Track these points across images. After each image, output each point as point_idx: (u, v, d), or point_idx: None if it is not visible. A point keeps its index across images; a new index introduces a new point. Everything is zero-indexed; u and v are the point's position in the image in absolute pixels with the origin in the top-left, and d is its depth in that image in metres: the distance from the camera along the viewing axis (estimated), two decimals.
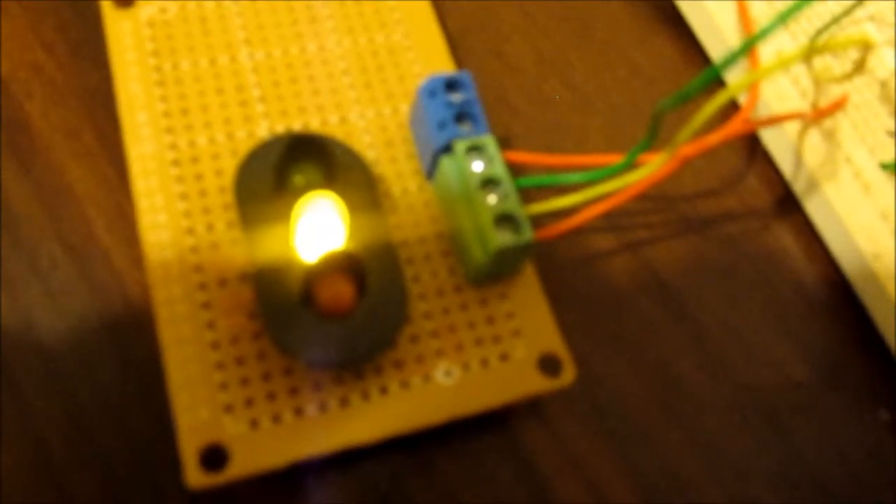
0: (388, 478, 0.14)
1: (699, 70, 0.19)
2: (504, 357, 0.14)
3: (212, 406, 0.13)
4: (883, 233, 0.17)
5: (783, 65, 0.14)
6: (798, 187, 0.18)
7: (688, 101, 0.13)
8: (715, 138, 0.15)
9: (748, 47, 0.14)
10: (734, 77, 0.18)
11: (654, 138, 0.14)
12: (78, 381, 0.14)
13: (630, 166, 0.15)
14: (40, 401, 0.14)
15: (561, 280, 0.16)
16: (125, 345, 0.14)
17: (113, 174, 0.16)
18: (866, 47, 0.16)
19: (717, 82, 0.18)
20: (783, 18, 0.14)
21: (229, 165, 0.15)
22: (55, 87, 0.16)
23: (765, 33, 0.14)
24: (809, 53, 0.14)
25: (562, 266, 0.16)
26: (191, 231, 0.14)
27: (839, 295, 0.17)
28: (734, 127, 0.15)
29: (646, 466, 0.15)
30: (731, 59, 0.13)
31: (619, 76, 0.19)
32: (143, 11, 0.16)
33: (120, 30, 0.16)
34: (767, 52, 0.18)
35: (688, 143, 0.14)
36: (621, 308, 0.16)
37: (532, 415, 0.15)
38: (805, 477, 0.16)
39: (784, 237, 0.17)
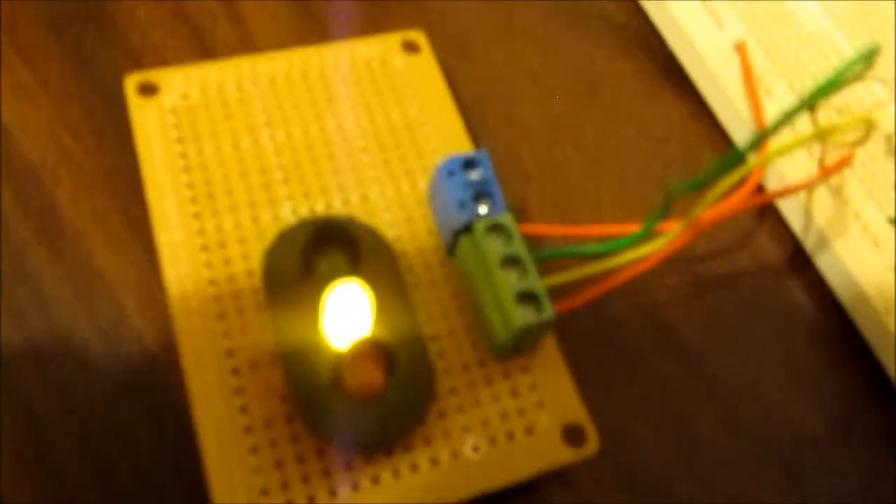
0: None
1: (705, 125, 0.19)
2: (529, 430, 0.14)
3: (248, 490, 0.13)
4: (893, 286, 0.17)
5: (796, 145, 0.14)
6: (809, 244, 0.18)
7: (702, 188, 0.13)
8: (729, 208, 0.15)
9: (761, 140, 0.14)
10: (742, 140, 0.19)
11: (667, 211, 0.15)
12: (116, 456, 0.14)
13: (647, 236, 0.15)
14: (77, 475, 0.14)
15: (580, 346, 0.16)
16: (162, 425, 0.15)
17: (142, 258, 0.16)
18: (869, 127, 0.16)
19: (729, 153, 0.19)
20: (795, 112, 0.14)
21: (256, 249, 0.15)
22: (83, 173, 0.17)
23: (776, 128, 0.14)
24: (819, 133, 0.15)
25: (580, 332, 0.17)
26: (222, 316, 0.14)
27: (852, 348, 0.17)
28: (748, 198, 0.15)
29: None
30: (747, 149, 0.14)
31: (627, 137, 0.19)
32: (167, 99, 0.16)
33: (145, 118, 0.16)
34: (772, 109, 0.19)
35: (703, 213, 0.14)
36: (640, 369, 0.17)
37: (557, 480, 0.15)
38: None
39: (797, 293, 0.18)
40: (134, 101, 0.16)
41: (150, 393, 0.15)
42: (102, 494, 0.14)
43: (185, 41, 0.19)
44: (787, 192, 0.17)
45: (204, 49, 0.19)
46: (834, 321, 0.18)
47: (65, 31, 0.18)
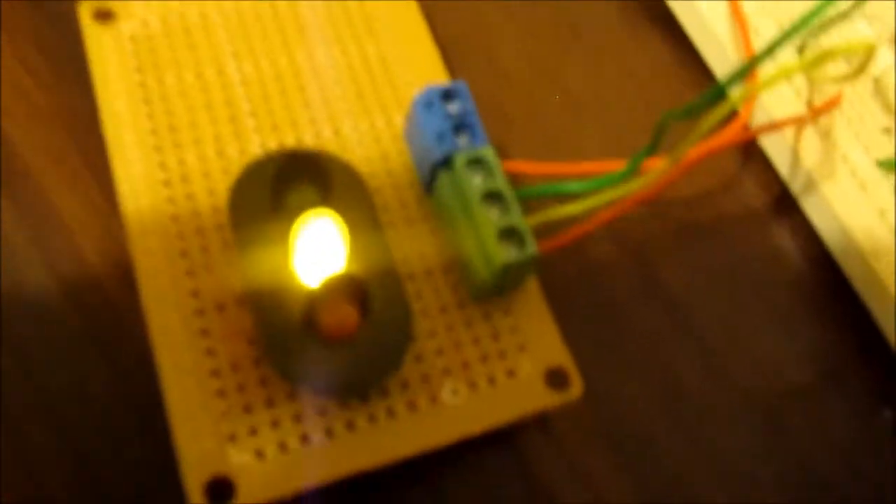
0: (397, 503, 0.14)
1: (692, 70, 0.19)
2: (510, 373, 0.14)
3: (215, 436, 0.12)
4: (881, 230, 0.17)
5: (783, 75, 0.14)
6: (795, 188, 0.17)
7: (692, 116, 0.13)
8: (715, 145, 0.14)
9: (751, 67, 0.14)
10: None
11: (656, 147, 0.14)
12: (75, 412, 0.13)
13: (632, 174, 0.14)
14: (38, 435, 0.13)
15: (562, 291, 0.16)
16: (123, 375, 0.14)
17: (101, 199, 0.15)
18: (869, 53, 0.16)
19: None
20: (788, 37, 0.14)
21: (221, 184, 0.14)
22: (38, 111, 0.16)
23: (767, 54, 0.14)
24: (811, 62, 0.14)
25: (562, 276, 0.16)
26: (184, 254, 0.14)
27: (839, 295, 0.17)
28: (734, 135, 0.15)
29: (652, 477, 0.15)
30: (736, 77, 0.13)
31: (612, 79, 0.18)
32: (125, 26, 0.15)
33: (101, 46, 0.15)
34: (758, 45, 0.18)
35: (689, 151, 0.14)
36: (624, 317, 0.16)
37: (539, 430, 0.15)
38: (809, 478, 0.16)
39: (783, 238, 0.17)
40: (89, 28, 0.15)
41: (110, 343, 0.14)
42: (61, 450, 0.13)
43: None
44: (775, 127, 0.16)
45: None
46: (820, 267, 0.17)
47: None
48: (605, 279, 0.16)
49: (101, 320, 0.14)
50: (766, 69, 0.17)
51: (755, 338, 0.16)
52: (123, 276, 0.14)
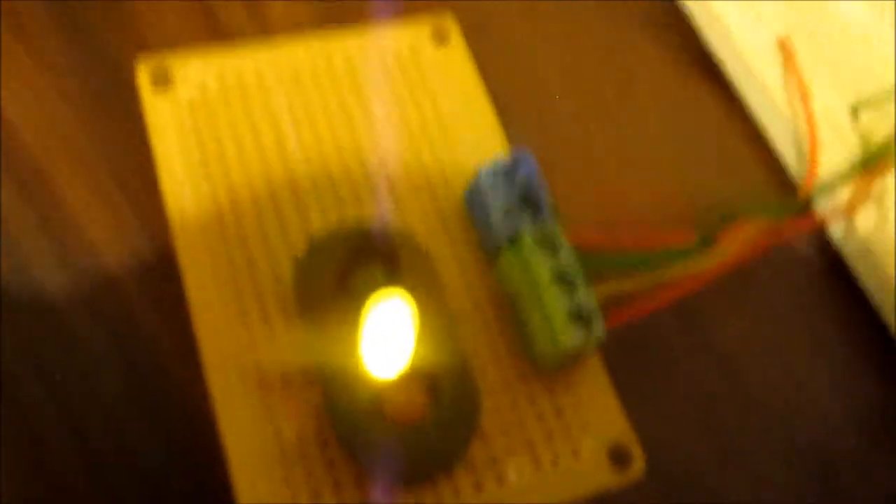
0: None
1: (741, 124, 0.19)
2: (574, 452, 0.14)
3: None
4: None
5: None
6: (848, 252, 0.17)
7: (764, 213, 0.13)
8: (788, 233, 0.14)
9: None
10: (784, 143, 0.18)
11: (722, 227, 0.14)
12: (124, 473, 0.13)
13: (702, 247, 0.14)
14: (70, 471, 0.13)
15: (619, 357, 0.16)
16: (180, 436, 0.14)
17: (155, 257, 0.15)
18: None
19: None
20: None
21: (283, 252, 0.14)
22: (85, 158, 0.16)
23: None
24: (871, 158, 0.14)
25: (618, 342, 0.16)
26: (250, 330, 0.13)
27: (890, 358, 0.17)
28: (802, 225, 0.15)
29: None
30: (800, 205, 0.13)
31: (661, 134, 0.18)
32: (183, 91, 0.15)
33: (160, 111, 0.15)
34: (817, 106, 0.18)
35: (762, 233, 0.14)
36: (682, 382, 0.16)
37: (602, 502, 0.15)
38: None
39: (837, 302, 0.17)
40: (147, 93, 0.15)
41: (163, 409, 0.14)
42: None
43: (194, 19, 0.17)
44: (838, 214, 0.16)
45: (215, 29, 0.17)
46: (873, 330, 0.17)
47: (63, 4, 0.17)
48: (661, 343, 0.16)
49: (153, 380, 0.14)
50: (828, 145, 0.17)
51: (809, 398, 0.16)
52: (184, 342, 0.14)
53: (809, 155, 0.17)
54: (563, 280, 0.13)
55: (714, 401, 0.16)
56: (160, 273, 0.15)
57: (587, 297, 0.13)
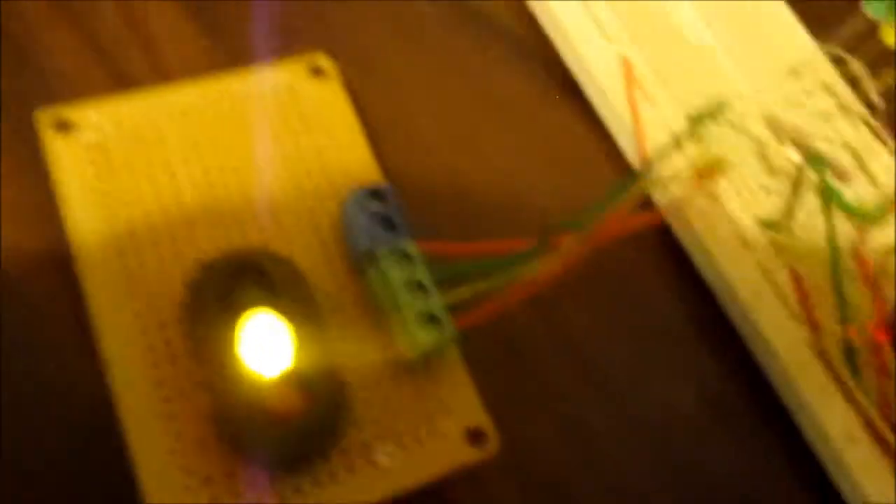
0: None
1: (598, 138, 0.21)
2: (435, 433, 0.16)
3: None
4: (760, 282, 0.19)
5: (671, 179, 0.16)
6: (687, 244, 0.20)
7: (585, 222, 0.15)
8: (621, 229, 0.17)
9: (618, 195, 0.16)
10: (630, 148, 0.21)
11: (545, 246, 0.16)
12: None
13: (541, 252, 0.17)
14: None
15: (482, 350, 0.18)
16: (98, 453, 0.16)
17: (65, 293, 0.17)
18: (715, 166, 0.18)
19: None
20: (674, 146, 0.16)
21: (178, 280, 0.16)
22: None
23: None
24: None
25: (482, 336, 0.18)
26: (151, 348, 0.16)
27: (727, 339, 0.19)
28: (637, 219, 0.17)
29: None
30: (622, 187, 0.16)
31: (524, 150, 0.21)
32: (83, 136, 0.17)
33: (60, 155, 0.17)
34: (655, 117, 0.20)
35: (593, 233, 0.16)
36: (539, 371, 0.18)
37: (466, 482, 0.17)
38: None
39: (679, 290, 0.20)
40: (49, 138, 0.17)
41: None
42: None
43: (96, 69, 0.19)
44: (672, 208, 0.19)
45: (116, 77, 0.19)
46: (711, 314, 0.20)
47: None
48: (519, 335, 0.19)
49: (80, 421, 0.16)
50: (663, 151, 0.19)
51: (656, 381, 0.19)
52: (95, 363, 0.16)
53: (640, 149, 0.19)
54: (418, 288, 0.16)
55: (567, 388, 0.18)
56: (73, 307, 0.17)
57: (437, 302, 0.16)
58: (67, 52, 0.19)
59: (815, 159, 0.17)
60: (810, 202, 0.20)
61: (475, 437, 0.16)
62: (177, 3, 0.20)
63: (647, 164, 0.17)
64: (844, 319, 0.17)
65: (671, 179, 0.19)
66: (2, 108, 0.18)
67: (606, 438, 0.18)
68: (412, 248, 0.16)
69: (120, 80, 0.19)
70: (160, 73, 0.19)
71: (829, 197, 0.17)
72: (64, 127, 0.17)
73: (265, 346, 0.15)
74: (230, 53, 0.20)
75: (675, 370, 0.19)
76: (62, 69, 0.19)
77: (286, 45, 0.20)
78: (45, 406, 0.16)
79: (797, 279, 0.19)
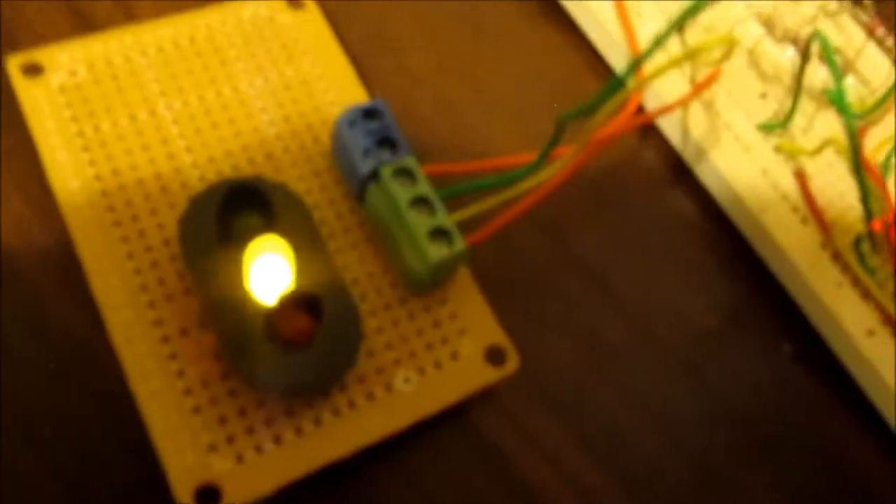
0: (368, 485, 0.15)
1: (585, 56, 0.21)
2: (454, 356, 0.15)
3: (196, 449, 0.14)
4: (764, 187, 0.19)
5: (669, 67, 0.16)
6: (688, 156, 0.19)
7: (586, 114, 0.14)
8: (614, 130, 0.16)
9: (637, 65, 0.15)
10: (620, 64, 0.20)
11: (559, 139, 0.16)
12: (62, 442, 0.14)
13: (542, 164, 0.16)
14: (29, 465, 0.14)
15: (491, 273, 0.17)
16: (104, 403, 0.15)
17: (51, 241, 0.16)
18: (731, 45, 0.17)
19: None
20: (666, 36, 0.15)
21: (169, 218, 0.15)
22: None
23: (651, 51, 0.15)
24: (688, 54, 0.16)
25: (489, 260, 0.17)
26: (144, 287, 0.15)
27: (735, 247, 0.19)
28: (631, 120, 0.16)
29: (590, 427, 0.17)
30: (625, 74, 0.15)
31: (513, 72, 0.20)
32: (54, 78, 0.16)
33: (34, 99, 0.16)
34: (644, 31, 0.20)
35: (592, 137, 0.16)
36: (549, 289, 0.18)
37: (486, 402, 0.16)
38: (725, 412, 0.18)
39: (682, 202, 0.19)
40: (20, 83, 0.16)
41: (86, 376, 0.15)
42: (49, 473, 0.14)
43: (61, 13, 0.18)
44: (665, 110, 0.18)
45: (82, 22, 0.18)
46: (717, 223, 0.19)
47: None
48: (527, 256, 0.18)
49: (71, 358, 0.15)
50: (655, 59, 0.19)
51: (665, 291, 0.18)
52: (87, 311, 0.15)
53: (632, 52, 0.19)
54: (423, 204, 0.15)
55: (579, 304, 0.18)
56: (62, 257, 0.16)
57: (444, 216, 0.15)
58: None
59: (821, 40, 0.17)
60: (806, 105, 0.19)
61: (495, 355, 0.16)
62: None
63: (635, 62, 0.16)
64: (869, 214, 0.17)
65: (667, 88, 0.19)
66: None
67: (622, 351, 0.18)
68: (414, 164, 0.15)
69: (88, 25, 0.18)
70: (128, 13, 0.19)
71: (838, 78, 0.17)
72: (35, 70, 0.16)
73: (271, 275, 0.14)
74: None
75: (684, 280, 0.19)
76: (27, 17, 0.18)
77: None
78: (40, 354, 0.15)
79: (803, 181, 0.19)
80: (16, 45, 0.17)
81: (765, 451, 0.17)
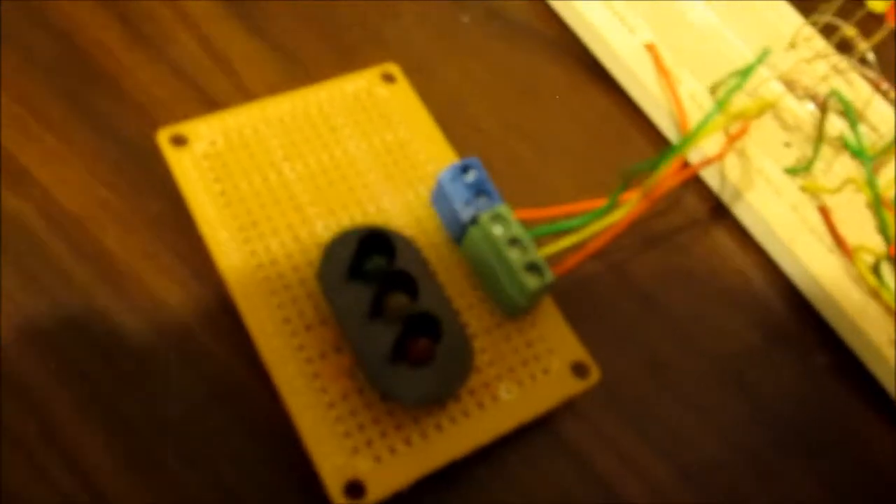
0: (473, 482, 0.18)
1: (630, 116, 0.24)
2: (545, 371, 0.18)
3: (342, 451, 0.16)
4: (794, 221, 0.22)
5: (714, 130, 0.19)
6: (726, 198, 0.22)
7: (648, 170, 0.18)
8: (672, 181, 0.19)
9: (689, 139, 0.18)
10: (661, 121, 0.23)
11: (625, 188, 0.19)
12: (218, 454, 0.17)
13: (612, 207, 0.19)
14: (187, 472, 0.17)
15: (566, 301, 0.20)
16: (253, 421, 0.17)
17: (198, 285, 0.19)
18: (766, 107, 0.21)
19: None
20: (712, 116, 0.19)
21: (301, 260, 0.18)
22: (124, 219, 0.20)
23: (700, 129, 0.19)
24: (733, 116, 0.19)
25: (563, 290, 0.20)
26: (287, 320, 0.18)
27: (770, 273, 0.22)
28: (680, 173, 0.20)
29: (654, 429, 0.20)
30: (680, 146, 0.18)
31: (569, 130, 0.23)
32: (198, 147, 0.19)
33: (183, 165, 0.19)
34: (682, 92, 0.23)
35: (654, 185, 0.19)
36: (613, 313, 0.21)
37: (569, 412, 0.19)
38: (769, 415, 0.20)
39: (722, 238, 0.22)
40: (170, 152, 0.19)
41: (239, 398, 0.18)
42: (214, 489, 0.17)
43: (188, 94, 0.22)
44: (708, 162, 0.21)
45: (207, 100, 0.21)
46: (753, 255, 0.22)
47: (77, 98, 0.21)
48: (593, 286, 0.21)
49: (228, 384, 0.18)
50: (693, 116, 0.22)
51: (712, 313, 0.21)
52: (239, 347, 0.18)
53: (680, 124, 0.22)
54: (516, 244, 0.18)
55: (637, 325, 0.21)
56: (216, 306, 0.19)
57: (535, 253, 0.18)
58: (158, 82, 0.22)
59: (838, 97, 0.20)
60: (825, 151, 0.23)
61: (579, 370, 0.18)
62: (242, 24, 0.23)
63: (688, 138, 0.20)
64: (887, 240, 0.20)
65: (706, 142, 0.22)
66: (111, 134, 0.20)
67: (676, 365, 0.20)
68: (506, 210, 0.18)
69: (211, 102, 0.21)
70: (244, 92, 0.22)
71: (854, 128, 0.20)
72: (181, 141, 0.19)
73: (397, 305, 0.17)
74: (301, 71, 0.22)
75: (728, 303, 0.21)
76: (159, 98, 0.21)
77: (349, 60, 0.23)
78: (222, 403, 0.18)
79: (826, 215, 0.22)
80: (154, 124, 0.20)
81: (806, 448, 0.20)
